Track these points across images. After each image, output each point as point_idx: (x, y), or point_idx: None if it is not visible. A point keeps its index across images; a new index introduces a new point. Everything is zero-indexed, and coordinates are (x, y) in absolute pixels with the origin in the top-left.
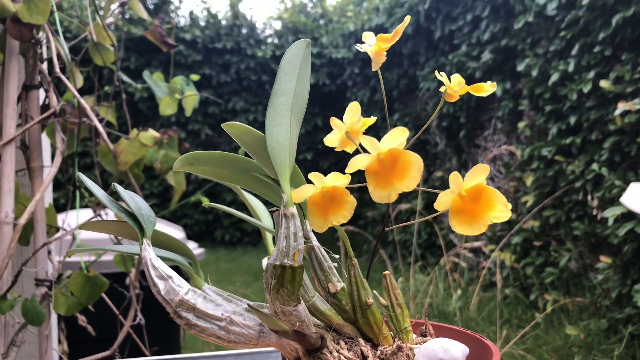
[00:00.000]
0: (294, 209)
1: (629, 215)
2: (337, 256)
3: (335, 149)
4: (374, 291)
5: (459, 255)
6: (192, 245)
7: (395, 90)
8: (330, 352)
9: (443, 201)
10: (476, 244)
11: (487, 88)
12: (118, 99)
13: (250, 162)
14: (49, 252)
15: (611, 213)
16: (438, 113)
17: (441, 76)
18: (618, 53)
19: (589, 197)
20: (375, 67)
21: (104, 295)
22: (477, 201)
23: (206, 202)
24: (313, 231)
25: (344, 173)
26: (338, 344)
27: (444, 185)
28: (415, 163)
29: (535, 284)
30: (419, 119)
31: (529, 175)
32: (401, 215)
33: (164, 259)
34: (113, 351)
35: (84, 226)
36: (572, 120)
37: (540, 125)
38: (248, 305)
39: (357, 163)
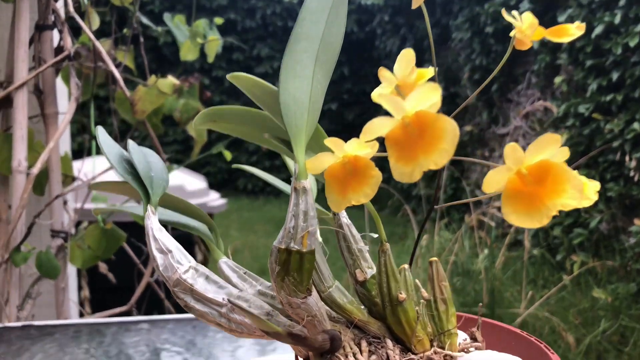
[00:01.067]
0: (306, 182)
1: None
2: (375, 235)
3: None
4: (416, 280)
5: (484, 213)
6: (214, 196)
7: (426, 40)
8: (346, 356)
9: (494, 181)
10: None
11: (572, 31)
12: (138, 43)
13: (275, 120)
14: (65, 203)
15: None
16: (470, 65)
17: (512, 17)
18: None
19: (627, 158)
20: (416, 4)
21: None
22: (542, 183)
23: (228, 156)
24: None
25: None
26: (359, 344)
27: (472, 140)
28: (450, 132)
29: (563, 245)
30: (451, 71)
31: (563, 133)
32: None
33: (180, 225)
34: (130, 306)
35: (94, 186)
36: (615, 76)
37: (578, 81)
38: (228, 300)
39: (375, 129)
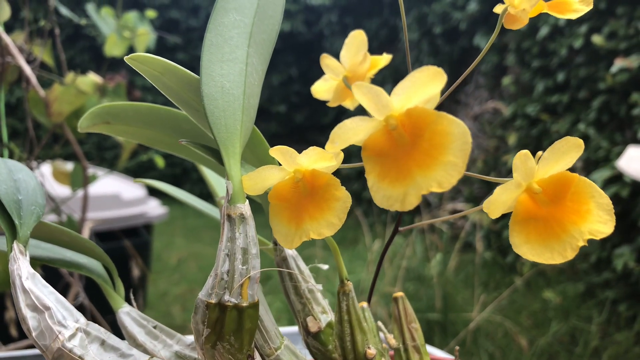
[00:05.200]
0: (244, 207)
1: (613, 179)
2: (325, 267)
3: (328, 104)
4: (379, 322)
5: (436, 216)
6: (153, 204)
7: (375, 40)
8: None
9: (501, 201)
10: (459, 206)
11: (575, 6)
12: (74, 38)
13: (194, 122)
14: None
15: (600, 176)
16: (418, 66)
17: None
18: (613, 7)
19: None
20: None
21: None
22: (560, 202)
23: (161, 163)
24: None
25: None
26: None
27: None
28: (458, 138)
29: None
30: (398, 72)
31: (512, 134)
32: None
33: (61, 262)
34: None
35: None
36: (560, 77)
37: (525, 82)
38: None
39: (347, 134)
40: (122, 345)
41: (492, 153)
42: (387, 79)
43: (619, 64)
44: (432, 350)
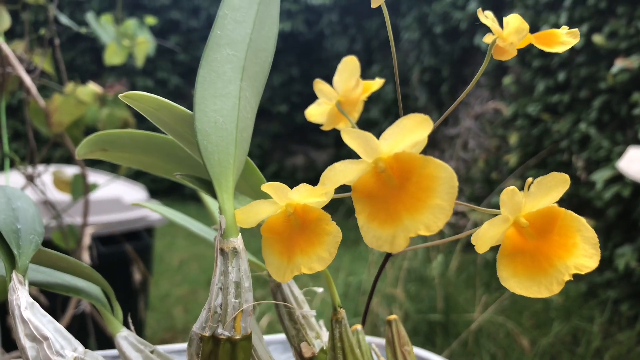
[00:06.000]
0: (237, 241)
1: (614, 178)
2: (320, 290)
3: (322, 128)
4: (372, 346)
5: None
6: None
7: (375, 40)
8: None
9: (489, 237)
10: (460, 207)
11: (563, 38)
12: (75, 40)
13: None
14: None
15: (600, 176)
16: (419, 66)
17: (488, 19)
18: (613, 6)
19: (574, 158)
20: (376, 3)
21: None
22: (547, 236)
23: None
24: None
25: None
26: None
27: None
28: (445, 182)
29: None
30: (400, 72)
31: (513, 133)
32: None
33: (59, 287)
34: None
35: None
36: (561, 76)
37: (526, 82)
38: None
39: (337, 176)
40: None
41: (493, 153)
42: (388, 79)
43: (619, 64)
44: (430, 355)
